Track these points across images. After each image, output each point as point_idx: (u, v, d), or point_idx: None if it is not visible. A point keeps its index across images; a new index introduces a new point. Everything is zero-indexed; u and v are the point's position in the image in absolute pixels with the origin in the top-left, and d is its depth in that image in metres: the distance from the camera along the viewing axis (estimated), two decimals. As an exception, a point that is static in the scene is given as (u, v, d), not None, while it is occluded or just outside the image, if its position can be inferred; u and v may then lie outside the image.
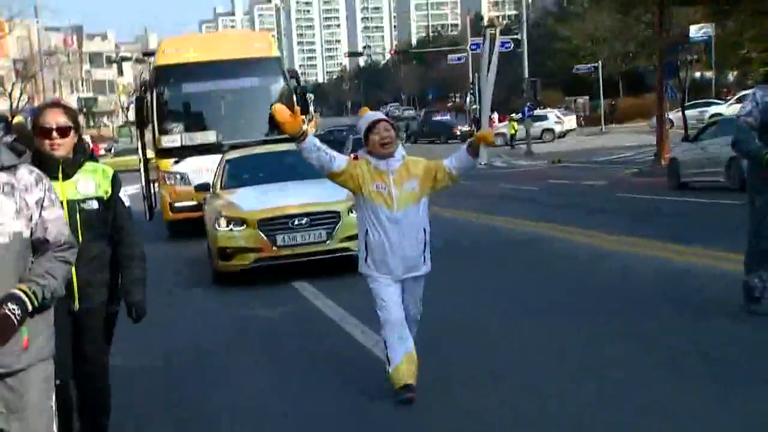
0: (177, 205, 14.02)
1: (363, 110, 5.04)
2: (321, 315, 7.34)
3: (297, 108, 4.77)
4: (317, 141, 4.70)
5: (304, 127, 4.72)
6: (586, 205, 15.83)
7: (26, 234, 2.79)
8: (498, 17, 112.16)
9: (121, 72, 63.14)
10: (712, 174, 15.36)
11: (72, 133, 3.81)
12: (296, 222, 8.72)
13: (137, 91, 17.57)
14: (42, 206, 2.81)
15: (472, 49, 46.15)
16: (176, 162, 14.13)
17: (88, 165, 3.93)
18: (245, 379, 5.72)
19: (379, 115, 4.92)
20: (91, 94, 73.54)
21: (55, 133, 3.75)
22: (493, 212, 15.19)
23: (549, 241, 11.05)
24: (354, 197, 4.93)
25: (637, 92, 50.96)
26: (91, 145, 24.85)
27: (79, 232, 3.71)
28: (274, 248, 8.72)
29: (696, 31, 44.11)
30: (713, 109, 39.26)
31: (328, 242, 8.76)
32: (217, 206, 9.52)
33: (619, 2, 29.72)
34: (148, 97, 14.77)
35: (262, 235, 8.70)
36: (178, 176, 14.06)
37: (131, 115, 34.12)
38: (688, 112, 31.89)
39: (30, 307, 2.66)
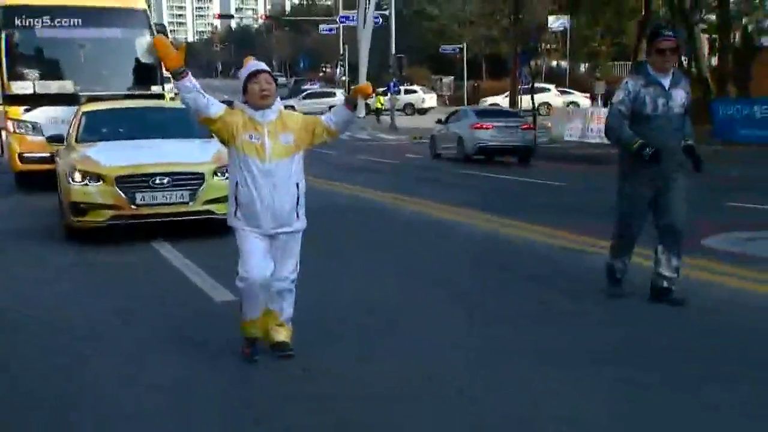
0: (27, 155, 13.39)
1: (248, 58, 4.79)
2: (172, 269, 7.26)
3: (183, 44, 4.64)
4: (196, 82, 4.47)
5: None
6: (426, 178, 16.61)
7: None
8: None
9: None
10: (450, 148, 21.17)
11: None
12: (157, 181, 8.39)
13: None
14: None
15: (341, 22, 45.99)
16: (27, 110, 13.48)
17: None
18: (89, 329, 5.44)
19: (262, 65, 4.66)
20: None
21: None
22: (345, 181, 15.36)
23: (392, 210, 11.46)
24: (227, 149, 4.67)
25: (499, 75, 52.42)
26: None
27: None
28: (133, 206, 8.38)
29: (553, 21, 45.86)
30: (570, 98, 40.92)
31: (190, 203, 8.48)
32: (71, 159, 8.99)
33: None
34: None
35: (120, 192, 8.35)
36: (29, 125, 13.43)
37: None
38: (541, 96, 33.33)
39: None
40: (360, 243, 8.64)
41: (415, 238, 9.01)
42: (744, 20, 29.32)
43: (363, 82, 4.46)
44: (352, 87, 4.76)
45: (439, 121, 23.15)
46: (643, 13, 25.41)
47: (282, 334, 4.69)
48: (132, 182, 8.37)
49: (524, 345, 4.94)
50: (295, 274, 4.71)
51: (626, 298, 5.88)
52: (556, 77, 48.74)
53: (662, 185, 5.62)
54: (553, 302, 5.96)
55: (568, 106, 33.57)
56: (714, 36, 25.71)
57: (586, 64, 49.94)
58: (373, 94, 47.56)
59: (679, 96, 5.60)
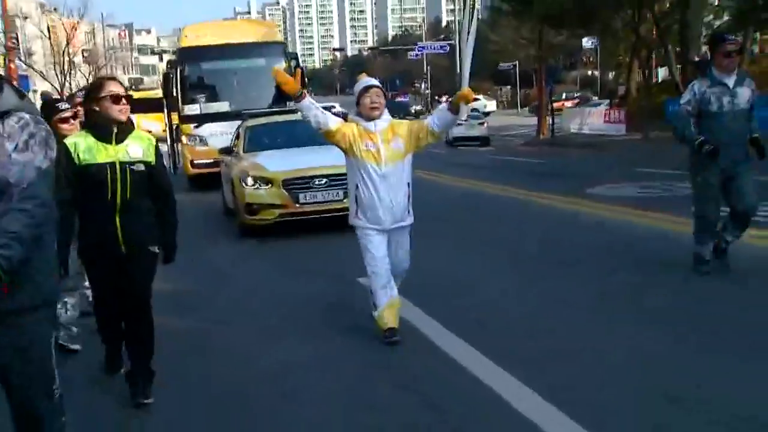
0: (196, 162, 13.70)
1: (361, 75, 4.43)
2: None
3: (298, 71, 4.41)
4: (314, 101, 4.20)
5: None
6: (480, 165, 18.01)
7: None
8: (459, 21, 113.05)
9: (161, 59, 64.72)
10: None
11: (129, 103, 3.50)
12: (316, 182, 8.02)
13: (163, 68, 17.14)
14: (16, 149, 2.12)
15: (419, 50, 48.29)
16: (196, 127, 13.78)
17: (135, 133, 3.53)
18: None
19: (373, 81, 4.31)
20: (138, 75, 75.49)
21: (124, 100, 3.41)
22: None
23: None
24: (345, 157, 4.32)
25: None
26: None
27: (128, 189, 3.38)
28: (297, 205, 8.02)
29: (586, 41, 47.30)
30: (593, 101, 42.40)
31: (344, 200, 7.42)
32: (243, 167, 8.60)
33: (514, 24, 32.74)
34: (174, 74, 14.22)
35: (286, 193, 8.00)
36: (198, 138, 13.74)
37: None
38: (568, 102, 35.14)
39: None
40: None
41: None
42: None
43: (465, 88, 4.14)
44: (456, 93, 4.20)
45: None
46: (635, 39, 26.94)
47: (393, 319, 4.21)
48: (296, 184, 8.04)
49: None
50: (408, 263, 4.40)
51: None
52: (590, 83, 50.10)
53: (731, 173, 5.12)
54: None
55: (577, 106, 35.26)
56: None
57: (613, 72, 51.03)
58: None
59: (744, 93, 5.11)
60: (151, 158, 3.49)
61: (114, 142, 3.41)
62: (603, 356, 3.81)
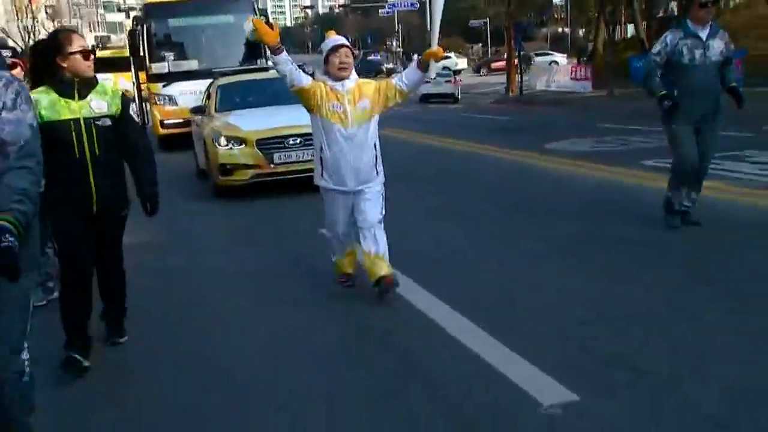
0: (166, 121, 13.31)
1: (330, 33, 4.30)
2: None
3: (275, 22, 4.13)
4: (289, 57, 4.07)
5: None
6: (447, 121, 18.13)
7: None
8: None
9: (128, 15, 62.68)
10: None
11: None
12: (290, 142, 7.81)
13: (130, 25, 16.34)
14: (4, 107, 2.10)
15: (390, 8, 47.69)
16: (164, 86, 13.37)
17: (99, 87, 3.41)
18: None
19: (342, 40, 4.18)
20: (105, 33, 73.38)
21: (91, 55, 3.34)
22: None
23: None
24: (310, 116, 4.20)
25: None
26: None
27: (96, 145, 3.31)
28: (271, 165, 7.82)
29: (557, -2, 47.00)
30: (551, 58, 42.51)
31: None
32: (216, 126, 8.33)
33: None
34: (140, 31, 13.92)
35: (260, 153, 7.79)
36: (167, 97, 13.31)
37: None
38: (538, 59, 35.27)
39: (17, 235, 2.04)
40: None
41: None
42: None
43: (435, 46, 4.01)
44: (425, 51, 4.08)
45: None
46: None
47: (383, 269, 4.14)
48: (270, 144, 7.81)
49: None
50: (379, 217, 4.19)
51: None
52: (560, 41, 50.07)
53: (700, 125, 5.06)
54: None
55: (550, 64, 35.40)
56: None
57: (583, 29, 50.95)
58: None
59: (717, 46, 5.01)
60: (116, 110, 3.39)
61: (77, 98, 3.32)
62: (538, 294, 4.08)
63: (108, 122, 3.35)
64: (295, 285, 4.68)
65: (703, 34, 4.99)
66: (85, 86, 3.34)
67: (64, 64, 3.29)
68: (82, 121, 3.29)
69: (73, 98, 3.31)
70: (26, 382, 2.31)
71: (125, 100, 3.47)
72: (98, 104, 3.35)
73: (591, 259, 4.79)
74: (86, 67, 3.31)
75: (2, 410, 2.21)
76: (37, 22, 42.09)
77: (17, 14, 40.33)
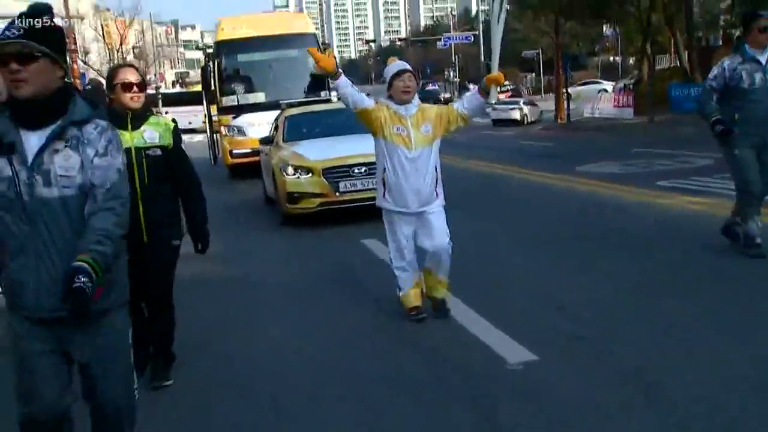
0: (235, 152, 13.34)
1: (392, 59, 4.32)
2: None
3: (330, 50, 3.99)
4: (349, 81, 4.06)
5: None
6: (496, 147, 18.52)
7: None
8: (484, 10, 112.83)
9: (204, 53, 66.76)
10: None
11: (145, 89, 3.46)
12: (356, 171, 7.76)
13: (203, 62, 16.43)
14: (96, 154, 2.14)
15: (446, 40, 49.07)
16: (234, 117, 13.50)
17: (153, 119, 3.47)
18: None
19: (405, 65, 4.20)
20: (184, 69, 77.82)
21: (135, 88, 3.37)
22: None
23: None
24: (373, 139, 4.20)
25: (571, 70, 54.21)
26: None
27: (146, 175, 3.34)
28: (337, 194, 7.77)
29: (606, 29, 47.70)
30: (601, 87, 42.93)
31: None
32: (284, 156, 8.36)
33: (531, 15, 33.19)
34: (211, 66, 14.10)
35: (326, 182, 7.77)
36: (236, 129, 13.38)
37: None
38: (585, 87, 35.98)
39: (95, 278, 1.99)
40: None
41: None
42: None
43: (495, 72, 3.89)
44: (486, 77, 4.12)
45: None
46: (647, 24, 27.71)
47: (440, 292, 4.24)
48: (336, 173, 7.80)
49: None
50: (445, 241, 4.17)
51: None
52: (612, 69, 50.38)
53: (761, 150, 4.91)
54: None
55: (598, 92, 36.00)
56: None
57: (633, 58, 51.30)
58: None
59: None
60: (168, 142, 3.45)
61: (130, 129, 3.38)
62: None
63: (158, 152, 3.41)
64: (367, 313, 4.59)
65: (762, 58, 4.86)
66: (139, 118, 3.43)
67: (113, 96, 3.43)
68: (133, 151, 3.34)
69: (126, 129, 3.35)
70: (135, 403, 2.41)
71: (177, 132, 3.54)
72: (150, 135, 3.42)
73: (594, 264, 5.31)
74: (128, 99, 3.38)
75: (117, 425, 2.34)
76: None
77: (110, 57, 43.85)
